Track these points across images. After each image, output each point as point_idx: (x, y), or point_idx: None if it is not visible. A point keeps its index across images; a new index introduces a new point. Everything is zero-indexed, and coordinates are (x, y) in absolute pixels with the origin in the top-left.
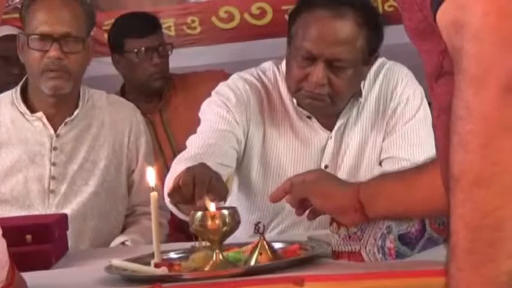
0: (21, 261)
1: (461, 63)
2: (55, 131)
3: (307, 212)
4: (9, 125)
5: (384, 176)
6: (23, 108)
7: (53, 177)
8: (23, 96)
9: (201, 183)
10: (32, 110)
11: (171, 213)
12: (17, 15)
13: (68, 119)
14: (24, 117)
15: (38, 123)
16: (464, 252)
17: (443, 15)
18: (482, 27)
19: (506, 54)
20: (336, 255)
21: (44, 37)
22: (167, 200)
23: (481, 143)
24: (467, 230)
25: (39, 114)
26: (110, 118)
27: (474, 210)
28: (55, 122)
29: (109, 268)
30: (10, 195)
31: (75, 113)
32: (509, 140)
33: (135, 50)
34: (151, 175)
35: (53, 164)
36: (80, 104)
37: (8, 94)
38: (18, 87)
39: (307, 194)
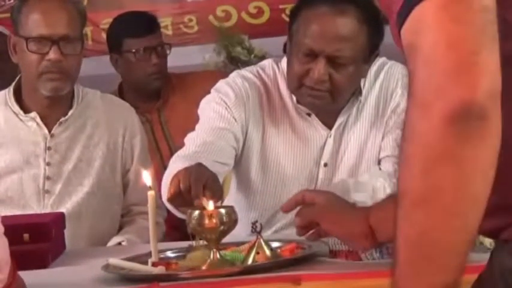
0: (19, 260)
1: (412, 87)
2: (49, 131)
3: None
4: (2, 125)
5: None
6: (16, 108)
7: (47, 177)
8: (16, 97)
9: (197, 182)
10: (26, 111)
11: (168, 212)
12: None
13: (62, 119)
14: (18, 117)
15: (32, 123)
16: (405, 263)
17: (403, 36)
18: (431, 55)
19: (452, 84)
20: (333, 254)
21: (43, 39)
22: (165, 199)
23: (422, 168)
24: (407, 244)
25: (33, 114)
26: (104, 117)
27: (412, 227)
28: (49, 122)
29: (106, 267)
30: (5, 195)
31: (70, 112)
32: (447, 168)
33: (133, 50)
34: (147, 176)
35: (48, 164)
36: (74, 103)
37: (0, 95)
38: (11, 88)
39: (317, 218)
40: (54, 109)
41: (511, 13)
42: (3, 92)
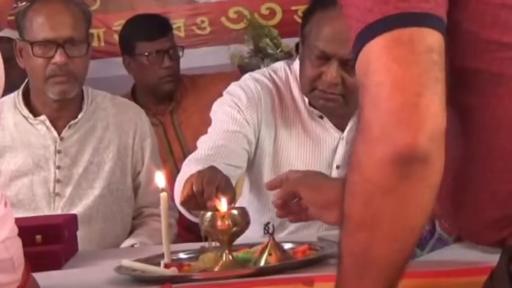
0: (31, 262)
1: (360, 122)
2: (59, 134)
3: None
4: (12, 129)
5: None
6: (25, 112)
7: (58, 181)
8: (25, 100)
9: (210, 184)
10: (35, 114)
11: (180, 214)
12: None
13: (71, 122)
14: (28, 121)
15: (42, 126)
16: (348, 268)
17: (356, 72)
18: (376, 96)
19: (396, 128)
20: None
21: (48, 43)
22: (178, 202)
23: (364, 198)
24: (350, 256)
25: (43, 117)
26: (114, 120)
27: (355, 244)
28: (59, 125)
29: (119, 268)
30: (16, 199)
31: (80, 115)
32: (388, 202)
33: (146, 53)
34: (160, 177)
35: (58, 167)
36: (84, 106)
37: (10, 98)
38: (20, 91)
39: (297, 186)
40: (63, 112)
41: (485, 31)
42: (12, 95)
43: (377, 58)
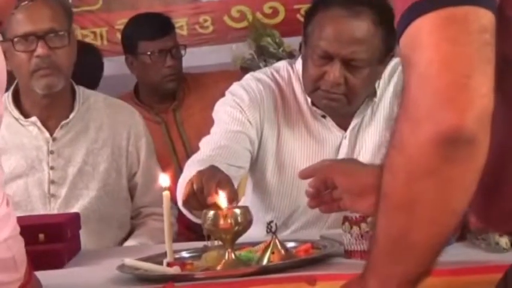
0: (34, 260)
1: (404, 99)
2: (51, 134)
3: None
4: (4, 131)
5: None
6: (16, 113)
7: (52, 181)
8: (16, 102)
9: (210, 182)
10: (26, 115)
11: (183, 213)
12: None
13: (63, 122)
14: (19, 122)
15: (33, 127)
16: (383, 252)
17: (401, 48)
18: (425, 73)
19: (443, 107)
20: (349, 254)
21: (29, 37)
22: (180, 203)
23: (406, 178)
24: (387, 238)
25: (33, 118)
26: (108, 121)
27: (393, 226)
28: (50, 125)
29: (121, 267)
30: (11, 201)
31: (71, 115)
32: (430, 183)
33: (149, 52)
34: (164, 176)
35: (51, 168)
36: (76, 106)
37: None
38: (10, 92)
39: (331, 173)
40: (53, 111)
41: None
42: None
43: (428, 35)
